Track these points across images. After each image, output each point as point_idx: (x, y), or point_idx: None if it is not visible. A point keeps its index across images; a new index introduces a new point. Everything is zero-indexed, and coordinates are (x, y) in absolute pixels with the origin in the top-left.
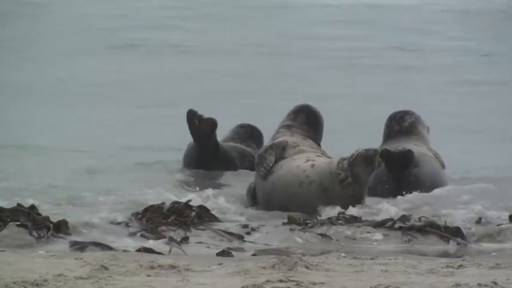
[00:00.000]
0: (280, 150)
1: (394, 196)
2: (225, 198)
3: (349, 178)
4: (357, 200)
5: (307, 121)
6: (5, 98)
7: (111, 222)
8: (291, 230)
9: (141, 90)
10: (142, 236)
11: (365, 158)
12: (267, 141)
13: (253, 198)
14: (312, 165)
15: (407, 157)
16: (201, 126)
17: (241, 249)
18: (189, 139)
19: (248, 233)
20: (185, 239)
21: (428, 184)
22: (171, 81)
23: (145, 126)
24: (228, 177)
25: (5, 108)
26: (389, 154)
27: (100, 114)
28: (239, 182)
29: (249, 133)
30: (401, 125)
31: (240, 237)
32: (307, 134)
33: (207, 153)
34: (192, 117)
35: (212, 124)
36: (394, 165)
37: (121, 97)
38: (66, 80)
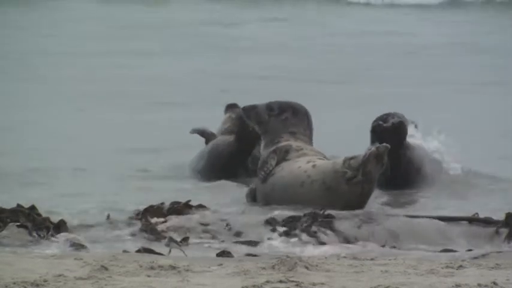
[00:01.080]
0: (284, 153)
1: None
2: (225, 199)
3: (358, 176)
4: (365, 198)
5: (309, 125)
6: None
7: (111, 223)
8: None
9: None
10: (142, 236)
11: (376, 156)
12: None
13: (254, 200)
14: (313, 166)
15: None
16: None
17: (240, 249)
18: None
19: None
20: (185, 240)
21: (418, 167)
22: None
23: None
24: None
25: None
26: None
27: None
28: (240, 182)
29: None
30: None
31: (238, 237)
32: (308, 140)
33: (241, 157)
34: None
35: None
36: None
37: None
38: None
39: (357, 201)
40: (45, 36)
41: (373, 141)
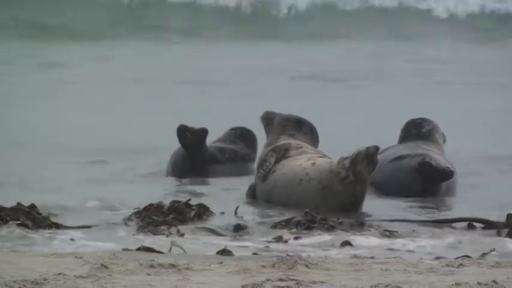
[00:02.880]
0: (283, 152)
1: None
2: (225, 198)
3: (350, 177)
4: (358, 199)
5: (311, 132)
6: None
7: (111, 221)
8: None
9: None
10: (142, 235)
11: (366, 156)
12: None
13: (254, 197)
14: (313, 164)
15: (448, 177)
16: (193, 138)
17: (240, 248)
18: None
19: (246, 232)
20: (182, 235)
21: (444, 190)
22: None
23: None
24: (227, 176)
25: None
26: (431, 168)
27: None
28: (239, 181)
29: (239, 134)
30: (419, 130)
31: (238, 236)
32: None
33: (199, 160)
34: (184, 132)
35: (204, 133)
36: (431, 180)
37: None
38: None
39: (350, 202)
40: None
41: (400, 141)
